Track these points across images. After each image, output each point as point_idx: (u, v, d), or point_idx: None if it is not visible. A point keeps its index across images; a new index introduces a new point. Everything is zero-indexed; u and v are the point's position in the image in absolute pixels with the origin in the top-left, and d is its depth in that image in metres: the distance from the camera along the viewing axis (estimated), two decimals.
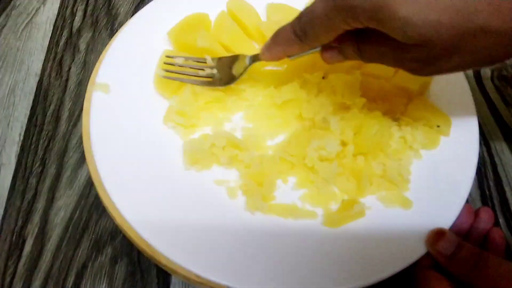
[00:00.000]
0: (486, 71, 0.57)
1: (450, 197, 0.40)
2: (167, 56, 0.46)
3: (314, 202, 0.41)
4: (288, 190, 0.42)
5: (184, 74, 0.45)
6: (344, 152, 0.42)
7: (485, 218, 0.41)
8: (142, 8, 0.49)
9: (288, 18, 0.49)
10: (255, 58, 0.44)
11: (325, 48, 0.38)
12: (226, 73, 0.45)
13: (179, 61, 0.45)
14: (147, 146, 0.42)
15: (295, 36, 0.37)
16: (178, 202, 0.39)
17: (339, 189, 0.42)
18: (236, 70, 0.45)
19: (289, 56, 0.40)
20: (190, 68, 0.45)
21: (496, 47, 0.29)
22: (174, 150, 0.43)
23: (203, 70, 0.45)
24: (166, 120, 0.43)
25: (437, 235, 0.37)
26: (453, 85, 0.46)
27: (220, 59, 0.46)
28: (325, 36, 0.35)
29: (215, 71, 0.45)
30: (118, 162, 0.39)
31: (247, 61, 0.44)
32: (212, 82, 0.45)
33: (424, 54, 0.31)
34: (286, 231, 0.38)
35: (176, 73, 0.45)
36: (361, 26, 0.32)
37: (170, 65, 0.45)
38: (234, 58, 0.45)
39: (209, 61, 0.45)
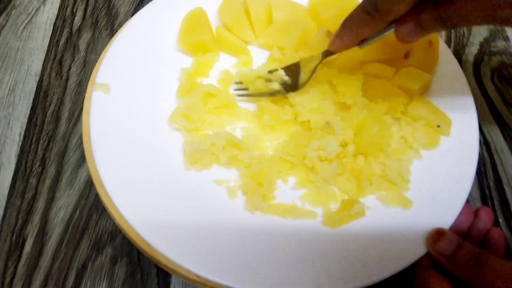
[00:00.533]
0: (486, 71, 0.57)
1: (450, 197, 0.40)
2: (236, 83, 0.47)
3: (314, 202, 0.41)
4: (288, 190, 0.42)
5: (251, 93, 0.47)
6: (344, 152, 0.42)
7: (485, 217, 0.41)
8: (142, 8, 0.50)
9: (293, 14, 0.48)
10: (326, 54, 0.43)
11: (401, 22, 0.37)
12: (295, 79, 0.45)
13: (248, 79, 0.46)
14: (147, 146, 0.42)
15: (367, 14, 0.36)
16: (178, 202, 0.39)
17: (339, 189, 0.42)
18: (304, 73, 0.45)
19: (360, 44, 0.40)
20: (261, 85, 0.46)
21: None
22: (174, 150, 0.43)
23: (272, 82, 0.46)
24: (171, 121, 0.43)
25: (437, 235, 0.37)
26: (453, 85, 0.46)
27: (287, 67, 0.46)
28: (400, 5, 0.34)
29: (287, 78, 0.45)
30: (118, 162, 0.39)
31: (316, 61, 0.44)
32: (283, 91, 0.45)
33: None
34: (286, 231, 0.38)
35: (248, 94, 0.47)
36: None
37: (241, 89, 0.47)
38: (299, 64, 0.46)
39: (280, 72, 0.46)
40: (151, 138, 0.42)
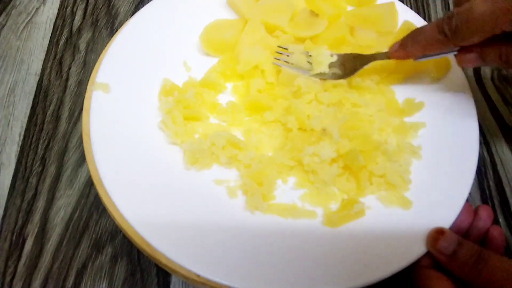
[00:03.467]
0: (486, 71, 0.57)
1: (450, 197, 0.40)
2: (280, 47, 0.47)
3: (314, 202, 0.41)
4: (288, 190, 0.42)
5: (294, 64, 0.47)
6: (342, 155, 0.42)
7: (485, 216, 0.41)
8: (142, 7, 0.49)
9: None
10: (376, 57, 0.45)
11: (464, 51, 0.39)
12: (345, 68, 0.46)
13: (294, 50, 0.47)
14: (147, 146, 0.42)
15: (442, 35, 0.38)
16: (178, 202, 0.39)
17: (339, 189, 0.42)
18: (354, 66, 0.46)
19: (418, 58, 0.42)
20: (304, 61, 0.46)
21: None
22: (174, 150, 0.43)
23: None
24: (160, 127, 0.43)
25: (437, 234, 0.37)
26: (453, 85, 0.46)
27: (343, 55, 0.47)
28: (478, 36, 0.36)
29: (335, 59, 0.47)
30: (118, 161, 0.39)
31: (366, 58, 0.46)
32: (325, 75, 0.46)
33: None
34: (286, 230, 0.38)
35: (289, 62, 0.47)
36: None
37: (282, 55, 0.47)
38: (357, 56, 0.47)
39: (332, 56, 0.47)
40: (151, 138, 0.42)
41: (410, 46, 0.42)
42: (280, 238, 0.38)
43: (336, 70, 0.46)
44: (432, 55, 0.42)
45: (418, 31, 0.41)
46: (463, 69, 0.48)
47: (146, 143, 0.42)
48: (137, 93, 0.44)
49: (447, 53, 0.41)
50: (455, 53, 0.41)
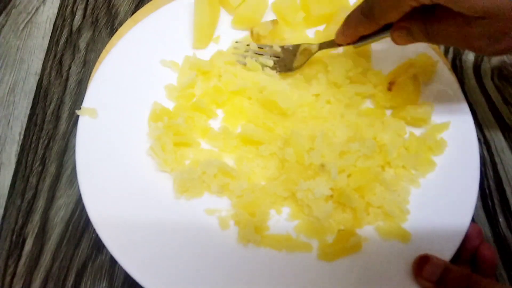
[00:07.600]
0: (486, 70, 0.57)
1: (449, 227, 0.39)
2: (236, 42, 0.49)
3: (309, 233, 0.39)
4: (282, 220, 0.41)
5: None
6: (338, 189, 0.40)
7: (473, 235, 0.39)
8: (141, 7, 0.49)
9: None
10: (323, 46, 0.47)
11: (395, 28, 0.40)
12: (289, 60, 0.48)
13: (246, 47, 0.49)
14: (135, 174, 0.41)
15: (364, 16, 0.39)
16: (167, 236, 0.38)
17: (335, 221, 0.40)
18: (299, 58, 0.47)
19: (357, 42, 0.43)
20: (256, 53, 0.48)
21: None
22: (164, 177, 0.42)
23: (267, 56, 0.48)
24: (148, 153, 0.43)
25: (421, 260, 0.36)
26: (451, 107, 0.45)
27: (284, 47, 0.48)
28: (392, 14, 0.37)
29: (279, 57, 0.48)
30: (105, 194, 0.39)
31: (313, 48, 0.47)
32: (273, 67, 0.48)
33: (489, 29, 0.33)
34: (280, 264, 0.38)
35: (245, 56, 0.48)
36: (427, 3, 0.33)
37: (238, 50, 0.49)
38: (297, 47, 0.48)
39: (276, 48, 0.48)
40: (139, 165, 0.42)
41: (345, 31, 0.43)
42: (274, 273, 0.37)
43: (285, 62, 0.48)
44: (367, 38, 0.42)
45: (348, 16, 0.42)
46: (463, 68, 0.48)
47: (135, 171, 0.41)
48: (126, 118, 0.43)
49: (382, 34, 0.41)
50: (388, 34, 0.41)
